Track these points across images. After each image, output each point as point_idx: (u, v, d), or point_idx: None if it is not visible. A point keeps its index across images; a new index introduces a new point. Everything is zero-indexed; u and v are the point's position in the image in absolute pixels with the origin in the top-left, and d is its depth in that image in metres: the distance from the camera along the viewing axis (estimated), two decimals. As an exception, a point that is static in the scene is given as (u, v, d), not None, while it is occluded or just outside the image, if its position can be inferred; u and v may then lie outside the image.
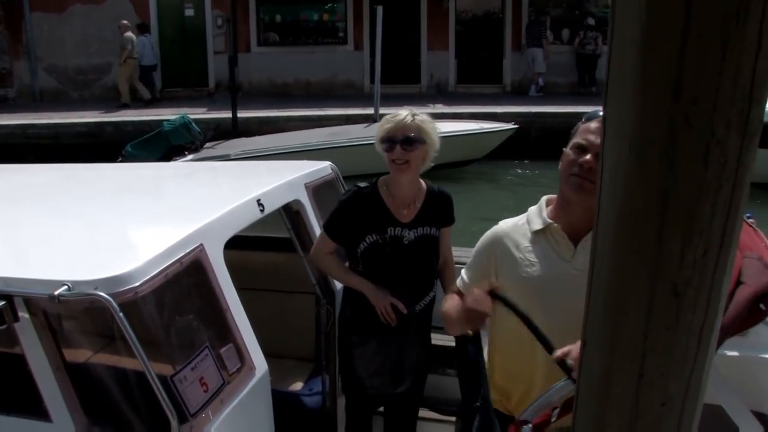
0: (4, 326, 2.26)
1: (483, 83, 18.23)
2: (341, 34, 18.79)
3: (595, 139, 1.98)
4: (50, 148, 14.11)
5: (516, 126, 12.92)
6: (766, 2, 0.67)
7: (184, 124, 12.45)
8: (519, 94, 17.73)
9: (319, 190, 3.72)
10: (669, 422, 0.89)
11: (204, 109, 16.02)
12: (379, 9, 12.80)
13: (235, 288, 2.84)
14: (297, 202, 3.48)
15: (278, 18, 18.99)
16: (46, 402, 2.40)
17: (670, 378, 0.86)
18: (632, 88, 0.75)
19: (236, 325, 2.69)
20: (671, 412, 0.88)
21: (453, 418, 3.71)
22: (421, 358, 3.09)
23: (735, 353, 2.57)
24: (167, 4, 18.43)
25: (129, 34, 16.48)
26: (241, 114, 14.76)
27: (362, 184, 3.07)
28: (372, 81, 17.44)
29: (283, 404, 3.74)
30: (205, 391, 2.46)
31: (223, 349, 2.62)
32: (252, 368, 2.73)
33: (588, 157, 2.01)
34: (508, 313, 2.06)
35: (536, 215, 2.26)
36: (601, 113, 2.06)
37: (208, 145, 12.81)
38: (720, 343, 1.79)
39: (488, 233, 2.36)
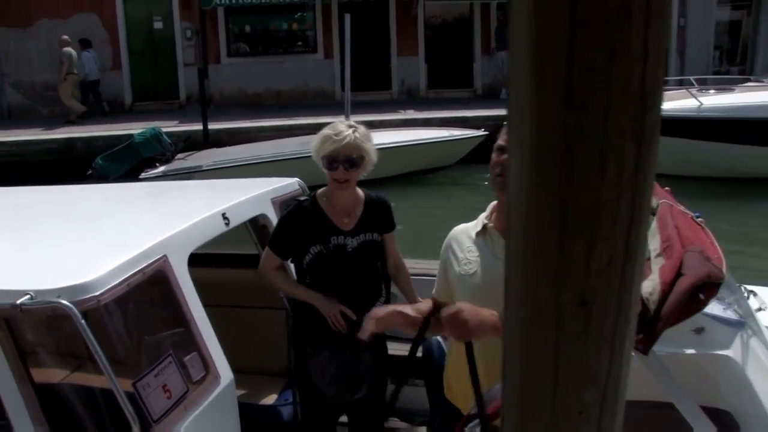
0: None
1: (454, 88, 18.35)
2: (311, 43, 18.79)
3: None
4: (19, 165, 13.94)
5: (486, 133, 12.98)
6: (647, 10, 0.67)
7: (155, 136, 12.39)
8: (490, 97, 17.84)
9: (286, 205, 3.77)
10: (587, 431, 0.88)
11: (175, 122, 15.93)
12: (348, 16, 12.77)
13: (203, 305, 2.87)
14: (263, 216, 3.54)
15: (248, 28, 18.97)
16: (9, 413, 2.40)
17: (585, 387, 0.85)
18: (528, 96, 0.75)
19: (200, 334, 2.73)
20: (589, 421, 0.87)
21: (423, 428, 3.72)
22: (375, 363, 3.10)
23: (692, 351, 2.60)
24: (135, 16, 18.31)
25: (68, 49, 16.40)
26: (213, 126, 14.69)
27: (302, 198, 3.20)
28: (343, 89, 17.47)
29: (257, 418, 3.74)
30: (169, 398, 2.49)
31: (187, 357, 2.67)
32: (217, 377, 2.75)
33: (507, 155, 2.08)
34: None
35: (481, 218, 2.39)
36: None
37: (179, 156, 12.75)
38: (661, 331, 1.82)
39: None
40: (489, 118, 14.38)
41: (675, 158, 10.42)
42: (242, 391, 4.05)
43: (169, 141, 12.58)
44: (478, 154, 13.11)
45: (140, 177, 11.68)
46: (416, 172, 12.87)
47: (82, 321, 2.22)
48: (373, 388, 3.12)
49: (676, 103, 11.51)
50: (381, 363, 3.16)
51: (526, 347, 0.86)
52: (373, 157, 3.02)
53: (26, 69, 18.21)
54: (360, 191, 3.15)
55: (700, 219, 2.29)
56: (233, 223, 3.21)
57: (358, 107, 16.10)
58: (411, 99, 18.30)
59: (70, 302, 2.22)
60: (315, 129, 12.55)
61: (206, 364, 2.73)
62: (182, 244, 2.84)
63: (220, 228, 3.13)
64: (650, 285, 1.90)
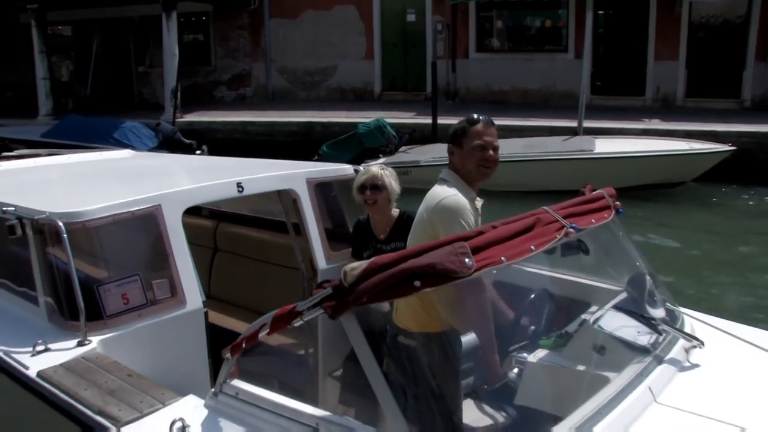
0: (18, 235, 3.38)
1: (717, 97, 16.47)
2: (562, 42, 18.01)
3: (490, 138, 2.98)
4: (266, 144, 15.07)
5: (733, 148, 11.46)
6: None
7: (379, 127, 12.65)
8: (761, 110, 15.71)
9: (337, 186, 4.52)
10: None
11: (413, 114, 16.18)
12: (590, 15, 12.02)
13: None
14: (293, 191, 4.20)
15: (499, 24, 18.69)
16: (37, 291, 3.47)
17: None
18: None
19: (176, 268, 3.49)
20: None
21: None
22: None
23: (582, 368, 2.73)
24: (390, 9, 18.96)
25: None
26: (447, 120, 14.67)
27: (361, 217, 4.16)
28: (592, 92, 16.45)
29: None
30: (125, 304, 3.34)
31: (157, 281, 3.47)
32: (182, 302, 3.48)
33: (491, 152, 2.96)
34: None
35: (456, 191, 2.92)
36: (479, 117, 3.00)
37: (403, 149, 12.88)
38: (353, 303, 2.14)
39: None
40: (743, 134, 12.66)
41: None
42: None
43: (393, 133, 12.77)
44: (722, 172, 11.67)
45: (359, 167, 11.97)
46: (651, 185, 11.74)
47: (65, 235, 3.22)
48: None
49: None
50: None
51: None
52: (396, 188, 3.95)
53: (291, 56, 19.72)
54: (395, 211, 4.03)
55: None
56: (249, 191, 3.99)
57: (603, 113, 15.08)
58: (665, 107, 16.75)
59: (62, 222, 3.25)
60: (546, 132, 11.98)
61: (174, 290, 3.47)
62: (180, 199, 3.67)
63: (232, 193, 3.93)
64: (357, 263, 2.17)
